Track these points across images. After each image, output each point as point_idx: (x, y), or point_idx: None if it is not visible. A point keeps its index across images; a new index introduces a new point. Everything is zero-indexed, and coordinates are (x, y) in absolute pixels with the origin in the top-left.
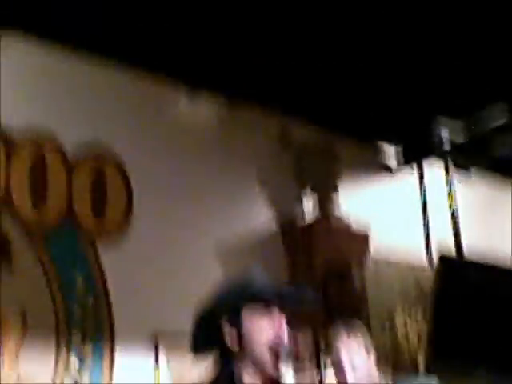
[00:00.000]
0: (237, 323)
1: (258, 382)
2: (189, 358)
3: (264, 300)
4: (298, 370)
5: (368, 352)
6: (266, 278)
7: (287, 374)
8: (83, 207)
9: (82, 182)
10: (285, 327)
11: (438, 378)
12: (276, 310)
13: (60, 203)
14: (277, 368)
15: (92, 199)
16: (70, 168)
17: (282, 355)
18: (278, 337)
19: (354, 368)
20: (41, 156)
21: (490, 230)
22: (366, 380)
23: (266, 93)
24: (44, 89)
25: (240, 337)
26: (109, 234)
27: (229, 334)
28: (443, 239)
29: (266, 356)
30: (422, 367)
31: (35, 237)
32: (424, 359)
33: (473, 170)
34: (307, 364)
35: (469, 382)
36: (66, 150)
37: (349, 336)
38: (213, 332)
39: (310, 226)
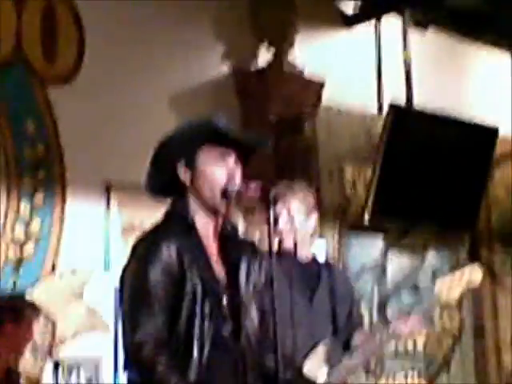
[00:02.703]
0: (192, 166)
1: (210, 223)
2: (139, 205)
3: (221, 142)
4: (248, 223)
5: (309, 213)
6: (226, 123)
7: (237, 219)
8: (34, 49)
9: (33, 23)
10: (239, 174)
11: (382, 230)
12: (232, 158)
13: (9, 44)
14: (227, 208)
15: (42, 42)
16: (19, 8)
17: (232, 194)
18: (231, 182)
19: (292, 226)
20: None
21: (443, 83)
22: (304, 238)
23: None
24: None
25: (194, 179)
26: (60, 79)
27: (183, 175)
28: (396, 91)
29: (217, 197)
30: (367, 218)
31: None
32: (369, 209)
33: (430, 25)
34: (257, 217)
35: (410, 236)
36: None
37: (290, 196)
38: (168, 173)
39: (264, 69)
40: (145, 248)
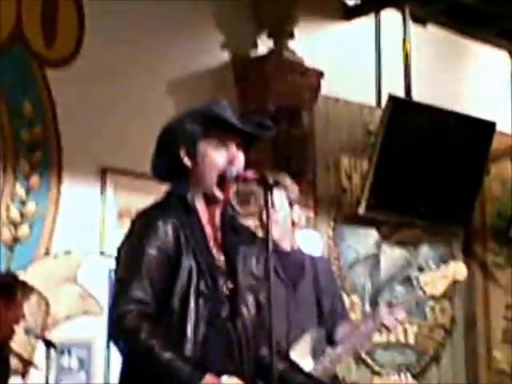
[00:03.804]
0: (194, 151)
1: (210, 207)
2: (135, 190)
3: (224, 128)
4: (244, 215)
5: (292, 205)
6: (230, 110)
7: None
8: (33, 32)
9: (33, 5)
10: (240, 160)
11: (377, 222)
12: (234, 144)
13: (9, 25)
14: (227, 192)
15: (42, 24)
16: None
17: (230, 179)
18: (230, 166)
19: (275, 222)
20: None
21: (443, 77)
22: (286, 230)
23: None
24: None
25: (196, 163)
26: (59, 61)
27: (186, 159)
28: (394, 85)
29: (214, 181)
30: (362, 208)
31: None
32: (365, 201)
33: (429, 20)
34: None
35: (405, 229)
36: None
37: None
38: (172, 157)
39: (263, 58)
40: (141, 224)
